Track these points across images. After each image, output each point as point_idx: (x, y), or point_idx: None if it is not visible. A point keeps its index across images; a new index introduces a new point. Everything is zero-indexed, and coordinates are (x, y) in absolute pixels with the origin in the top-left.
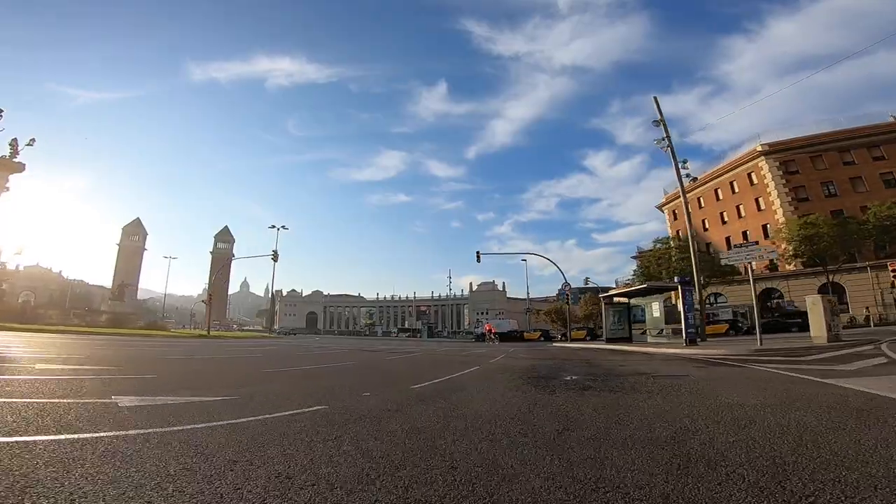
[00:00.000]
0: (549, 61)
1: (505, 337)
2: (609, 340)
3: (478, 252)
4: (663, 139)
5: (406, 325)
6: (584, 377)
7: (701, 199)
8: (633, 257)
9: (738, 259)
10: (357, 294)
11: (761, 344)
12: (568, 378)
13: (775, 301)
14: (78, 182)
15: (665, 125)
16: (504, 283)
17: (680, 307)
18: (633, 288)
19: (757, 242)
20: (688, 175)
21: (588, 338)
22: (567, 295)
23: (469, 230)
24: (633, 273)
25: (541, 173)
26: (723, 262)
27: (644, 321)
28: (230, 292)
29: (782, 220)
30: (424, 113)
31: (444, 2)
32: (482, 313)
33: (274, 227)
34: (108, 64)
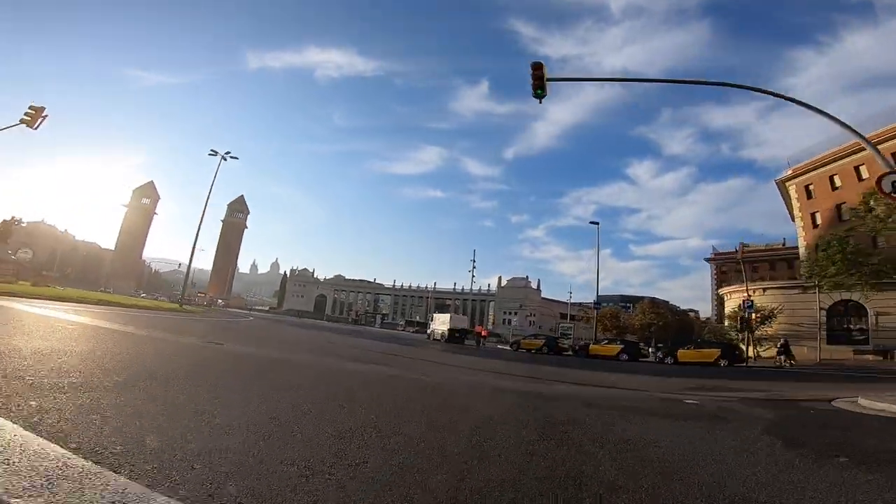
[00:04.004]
0: (598, 65)
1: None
2: None
3: (536, 69)
4: None
5: (418, 319)
6: None
7: (835, 177)
8: (708, 259)
9: None
10: (373, 280)
11: None
12: None
13: None
14: (135, 159)
15: None
16: (539, 280)
17: None
18: None
19: None
20: None
21: (723, 361)
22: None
23: (501, 231)
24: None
25: (580, 179)
26: None
27: None
28: (261, 271)
29: None
30: (465, 110)
31: (493, 1)
32: (511, 313)
33: (215, 153)
34: (173, 49)
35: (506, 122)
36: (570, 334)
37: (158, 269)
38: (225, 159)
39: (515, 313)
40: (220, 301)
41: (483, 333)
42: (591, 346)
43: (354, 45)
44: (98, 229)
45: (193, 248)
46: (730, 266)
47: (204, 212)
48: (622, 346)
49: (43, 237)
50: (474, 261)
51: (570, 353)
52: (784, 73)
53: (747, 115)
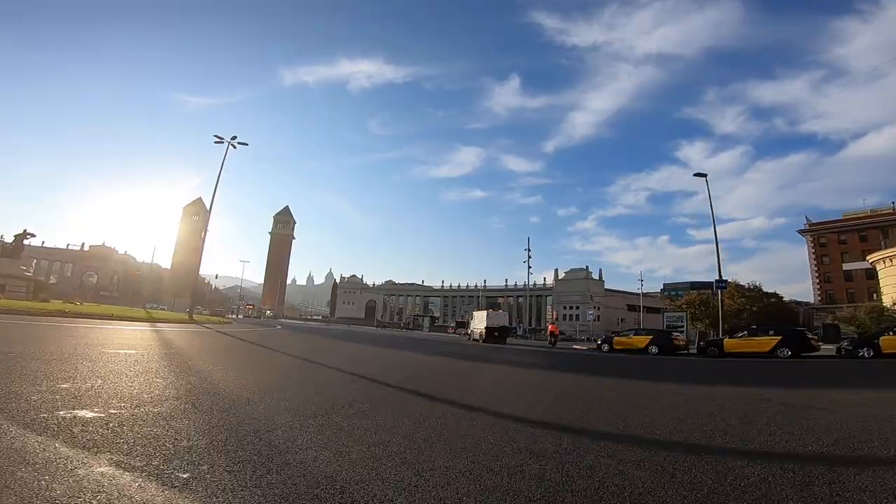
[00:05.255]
0: (630, 50)
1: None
2: None
3: None
4: None
5: (468, 320)
6: None
7: None
8: (802, 231)
9: None
10: (421, 282)
11: None
12: None
13: None
14: (190, 181)
15: None
16: (601, 270)
17: None
18: None
19: None
20: None
21: None
22: None
23: (549, 225)
24: None
25: (628, 166)
26: None
27: None
28: (317, 282)
29: None
30: (498, 108)
31: None
32: (572, 307)
33: (220, 139)
34: (211, 73)
35: (541, 116)
36: (683, 327)
37: (218, 285)
38: (234, 147)
39: (577, 307)
40: (268, 312)
41: (557, 332)
42: (727, 341)
43: (381, 53)
44: (158, 250)
45: (203, 243)
46: (831, 237)
47: (214, 195)
48: (779, 336)
49: (106, 260)
50: (529, 249)
51: (686, 352)
52: (831, 44)
53: (799, 89)
